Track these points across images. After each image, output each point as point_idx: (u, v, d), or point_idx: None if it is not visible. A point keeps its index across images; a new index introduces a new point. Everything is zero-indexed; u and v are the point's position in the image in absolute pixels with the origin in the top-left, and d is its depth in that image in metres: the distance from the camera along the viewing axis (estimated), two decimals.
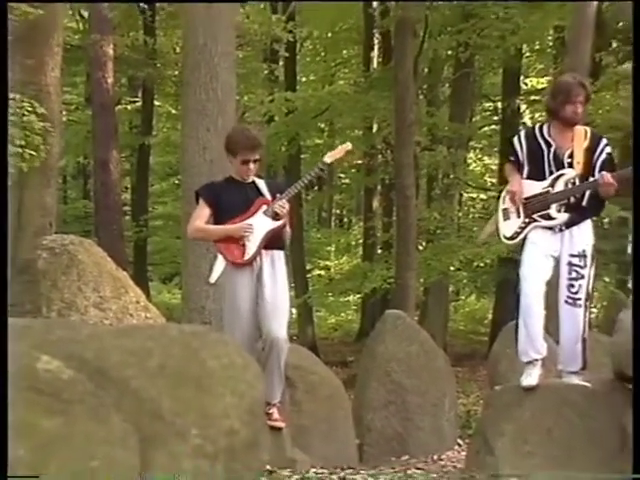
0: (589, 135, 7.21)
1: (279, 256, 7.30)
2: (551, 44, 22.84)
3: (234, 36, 11.22)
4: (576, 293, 7.08)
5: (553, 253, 7.12)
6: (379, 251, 23.40)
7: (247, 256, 7.17)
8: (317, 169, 7.93)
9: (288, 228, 7.39)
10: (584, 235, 7.16)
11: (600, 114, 17.97)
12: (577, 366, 7.27)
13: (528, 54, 23.55)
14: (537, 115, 24.65)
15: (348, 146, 7.83)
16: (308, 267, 25.64)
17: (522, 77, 23.59)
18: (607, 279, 21.83)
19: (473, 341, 23.59)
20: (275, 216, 7.20)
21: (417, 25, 18.90)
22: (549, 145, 7.21)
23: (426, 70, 22.66)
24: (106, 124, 19.06)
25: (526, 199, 7.22)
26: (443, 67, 23.33)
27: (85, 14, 21.31)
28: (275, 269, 7.23)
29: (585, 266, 7.12)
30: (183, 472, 2.89)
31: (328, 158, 7.65)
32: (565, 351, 7.22)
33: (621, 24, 21.52)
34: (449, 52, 21.44)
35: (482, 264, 22.91)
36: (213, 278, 7.40)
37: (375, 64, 23.80)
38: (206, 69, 10.46)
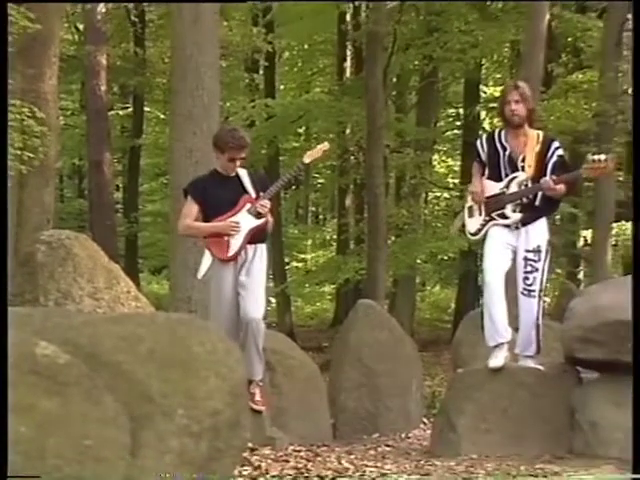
0: (541, 139, 7.28)
1: (262, 249, 7.29)
2: (507, 56, 22.90)
3: (218, 47, 11.21)
4: (531, 285, 7.16)
5: (511, 247, 7.19)
6: (352, 245, 23.40)
7: (231, 252, 7.16)
8: (296, 169, 7.95)
9: (270, 219, 7.38)
10: (539, 232, 7.22)
11: (551, 120, 18.03)
12: (532, 350, 7.33)
13: (487, 65, 23.61)
14: (495, 120, 24.70)
15: (326, 146, 7.82)
16: (286, 260, 25.64)
17: (481, 86, 23.65)
18: (559, 271, 21.92)
19: (438, 328, 23.63)
20: (258, 215, 7.20)
21: (386, 38, 18.91)
22: (504, 149, 7.27)
23: (394, 79, 22.68)
24: (99, 128, 19.01)
25: (486, 198, 7.30)
26: (410, 77, 23.35)
27: (80, 27, 21.22)
28: (255, 260, 7.23)
29: (539, 260, 7.17)
30: (170, 450, 2.88)
31: (307, 158, 7.63)
32: (522, 337, 7.28)
33: (570, 39, 21.63)
34: (416, 63, 21.45)
35: (446, 257, 23.00)
36: (201, 273, 7.39)
37: (348, 74, 23.79)
38: (192, 78, 10.44)
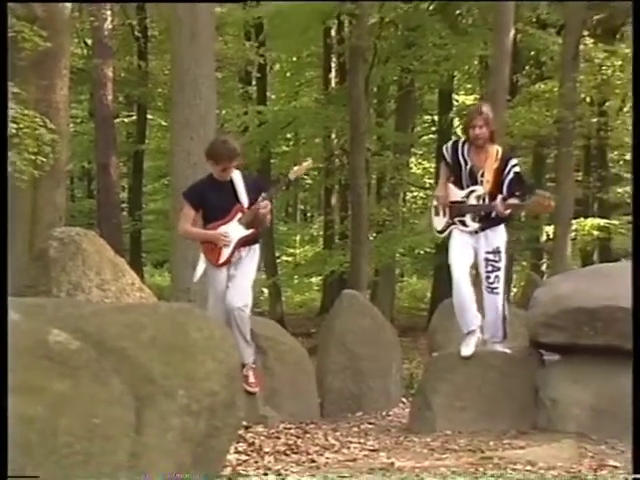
0: (500, 155, 7.26)
1: (254, 249, 7.28)
2: (477, 68, 22.93)
3: (214, 60, 11.19)
4: (492, 283, 7.23)
5: (472, 246, 7.26)
6: (337, 240, 23.38)
7: (222, 260, 7.16)
8: (283, 184, 8.03)
9: (268, 218, 7.39)
10: (498, 235, 7.27)
11: (517, 126, 18.11)
12: (499, 337, 7.43)
13: (459, 76, 23.63)
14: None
15: (309, 164, 7.81)
16: (277, 254, 25.60)
17: (454, 95, 23.67)
18: (524, 263, 21.97)
19: (415, 316, 23.65)
20: (248, 224, 7.16)
21: (367, 52, 18.91)
22: (466, 163, 7.28)
23: (375, 89, 22.65)
24: (107, 134, 18.96)
25: (450, 202, 7.35)
26: (389, 87, 23.36)
27: (89, 42, 21.13)
28: (247, 259, 7.22)
29: (499, 260, 7.22)
30: (171, 427, 2.88)
31: (292, 175, 7.61)
32: (489, 326, 7.38)
33: (532, 52, 21.69)
34: (394, 75, 21.47)
35: (422, 251, 23.02)
36: (196, 277, 7.38)
37: (333, 84, 23.75)
38: (190, 88, 10.42)
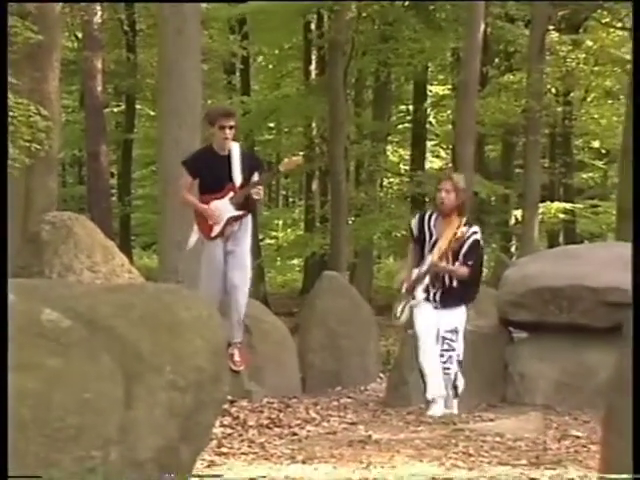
0: (462, 224, 6.70)
1: (247, 220, 7.16)
2: (450, 61, 22.93)
3: (200, 53, 11.14)
4: (445, 362, 6.72)
5: (435, 320, 6.79)
6: (317, 224, 23.38)
7: (213, 234, 7.11)
8: (272, 173, 7.96)
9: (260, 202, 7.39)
10: (456, 316, 6.77)
11: (487, 115, 18.18)
12: (450, 401, 6.86)
13: (432, 68, 23.62)
14: (439, 116, 24.79)
15: (299, 160, 7.77)
16: (260, 237, 25.57)
17: (428, 86, 23.66)
18: (494, 245, 22.05)
19: (392, 295, 23.60)
20: (238, 205, 7.11)
21: (346, 45, 18.88)
22: (431, 235, 6.75)
23: (353, 80, 22.62)
24: (97, 123, 18.87)
25: (410, 283, 6.89)
26: (367, 78, 23.31)
27: (79, 35, 20.99)
28: (241, 232, 7.15)
29: (456, 341, 6.74)
30: (159, 402, 2.87)
31: (282, 167, 7.63)
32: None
33: (501, 45, 21.74)
34: (371, 66, 21.45)
35: (398, 234, 23.03)
36: (189, 245, 7.34)
37: (313, 75, 23.71)
38: (177, 79, 10.37)
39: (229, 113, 7.18)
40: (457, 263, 6.66)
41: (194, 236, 7.23)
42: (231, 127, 7.10)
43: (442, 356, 6.69)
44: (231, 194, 7.07)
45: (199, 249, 7.28)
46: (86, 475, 2.74)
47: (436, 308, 6.73)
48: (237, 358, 7.20)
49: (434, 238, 6.70)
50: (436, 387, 6.72)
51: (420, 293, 6.76)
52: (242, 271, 7.10)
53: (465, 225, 6.68)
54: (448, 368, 6.70)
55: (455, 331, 6.73)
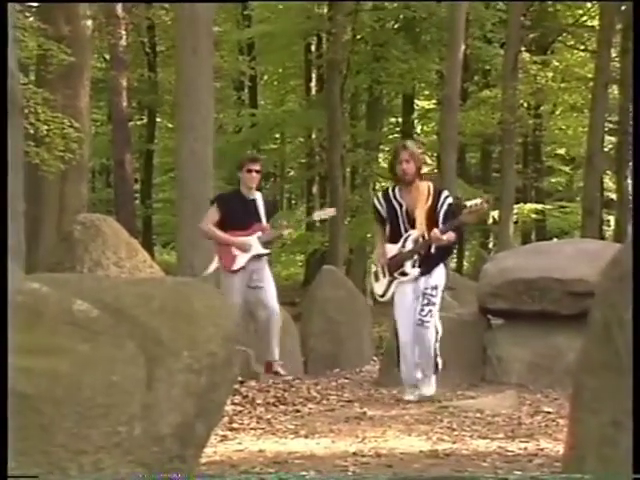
0: (431, 191, 6.17)
1: (266, 258, 7.17)
2: (434, 78, 22.93)
3: (212, 71, 11.12)
4: (425, 316, 6.10)
5: (416, 295, 6.20)
6: (317, 224, 23.34)
7: (236, 266, 6.97)
8: (315, 216, 7.74)
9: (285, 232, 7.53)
10: (436, 276, 6.21)
11: (468, 126, 18.20)
12: (431, 370, 6.33)
13: (419, 85, 23.63)
14: (425, 127, 24.77)
15: (333, 211, 7.70)
16: None
17: (415, 100, 23.63)
18: (474, 242, 22.04)
19: None
20: (264, 244, 7.03)
21: (342, 65, 18.87)
22: (400, 205, 6.20)
23: (349, 95, 22.61)
24: (122, 135, 18.86)
25: (389, 259, 6.25)
26: (361, 94, 23.30)
27: (107, 57, 20.97)
28: (265, 269, 7.09)
29: (436, 296, 6.16)
30: (177, 383, 2.86)
31: (316, 216, 7.62)
32: (421, 360, 6.31)
33: (480, 64, 21.77)
34: (365, 83, 21.45)
35: None
36: (206, 272, 7.23)
37: (313, 91, 23.69)
38: (193, 95, 10.34)
39: (255, 159, 7.26)
40: (437, 230, 6.08)
41: (213, 265, 7.17)
42: (257, 171, 7.09)
43: (422, 310, 6.08)
44: (259, 233, 7.01)
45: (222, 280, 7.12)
46: (113, 448, 2.73)
47: (416, 279, 6.17)
48: (282, 372, 7.12)
49: (404, 207, 6.14)
50: (412, 376, 6.26)
51: (411, 268, 6.15)
52: (273, 297, 7.05)
53: (435, 190, 6.17)
54: (427, 321, 6.08)
55: (435, 287, 6.16)
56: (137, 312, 2.93)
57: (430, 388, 6.29)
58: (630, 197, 16.31)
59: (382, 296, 6.31)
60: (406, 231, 6.15)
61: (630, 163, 16.44)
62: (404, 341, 6.21)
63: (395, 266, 6.18)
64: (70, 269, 6.96)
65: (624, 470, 2.61)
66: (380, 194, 6.40)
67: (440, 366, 6.29)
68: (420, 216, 6.09)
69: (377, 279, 6.32)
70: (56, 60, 11.03)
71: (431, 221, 6.09)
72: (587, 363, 2.86)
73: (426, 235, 6.10)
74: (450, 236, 6.10)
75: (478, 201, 5.98)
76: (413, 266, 6.14)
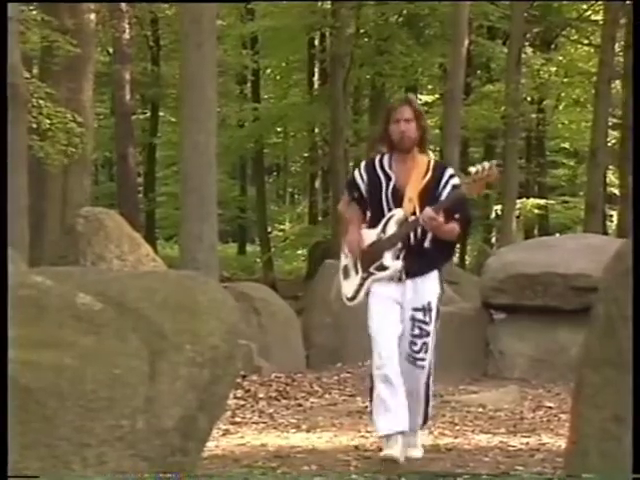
0: (432, 165, 4.34)
1: None
2: (437, 72, 22.90)
3: (216, 65, 11.11)
4: (418, 352, 4.29)
5: (398, 304, 4.32)
6: (320, 218, 23.35)
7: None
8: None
9: None
10: (429, 287, 4.33)
11: (471, 121, 18.20)
12: (419, 423, 4.43)
13: (422, 79, 23.59)
14: (428, 121, 24.68)
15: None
16: (269, 230, 25.56)
17: (418, 95, 23.61)
18: (477, 236, 22.03)
19: None
20: None
21: (345, 59, 18.84)
22: (388, 178, 4.31)
23: (352, 89, 22.58)
24: (125, 128, 18.85)
25: (363, 250, 4.36)
26: (364, 87, 23.28)
27: (110, 50, 20.96)
28: None
29: (430, 322, 4.32)
30: (180, 376, 2.87)
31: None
32: (408, 408, 4.26)
33: (483, 59, 21.74)
34: (368, 77, 21.42)
35: None
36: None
37: (316, 85, 23.66)
38: (196, 89, 10.33)
39: None
40: (430, 208, 4.21)
41: None
42: None
43: (414, 344, 4.28)
44: None
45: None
46: (116, 442, 2.74)
47: (400, 280, 4.29)
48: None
49: (393, 181, 4.29)
50: (398, 420, 4.19)
51: (392, 261, 4.28)
52: None
53: (436, 165, 4.39)
54: (422, 359, 4.30)
55: (428, 308, 4.30)
56: (140, 306, 2.94)
57: (417, 450, 4.42)
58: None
59: (351, 299, 4.52)
60: (390, 211, 4.31)
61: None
62: (384, 366, 4.26)
63: (371, 258, 4.33)
64: (73, 263, 6.97)
65: (625, 465, 2.61)
66: (362, 164, 4.52)
67: (430, 415, 4.56)
68: (412, 191, 4.25)
69: (346, 276, 4.52)
70: (62, 52, 11.05)
71: (426, 202, 4.22)
72: (590, 358, 2.86)
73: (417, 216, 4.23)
74: (452, 227, 4.24)
75: (486, 164, 4.25)
76: (397, 257, 4.27)
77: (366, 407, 5.86)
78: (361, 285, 4.43)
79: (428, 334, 4.32)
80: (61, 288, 2.95)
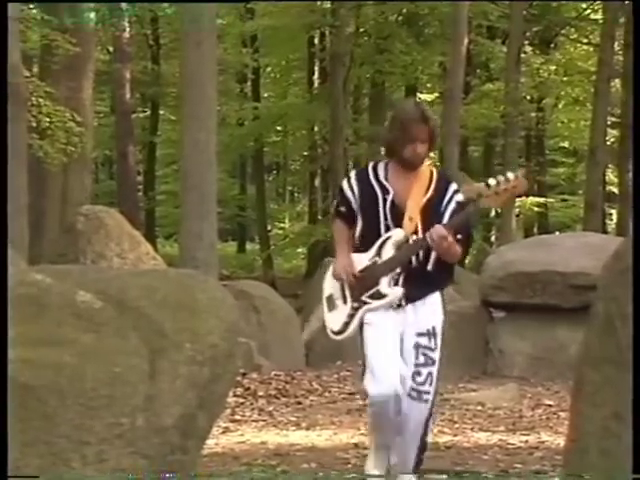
0: (435, 178, 3.78)
1: None
2: (437, 71, 22.90)
3: (216, 64, 11.11)
4: (422, 384, 3.70)
5: (399, 330, 3.74)
6: (319, 217, 23.35)
7: None
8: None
9: None
10: (432, 309, 3.79)
11: (471, 119, 18.21)
12: (408, 468, 3.77)
13: (422, 78, 23.59)
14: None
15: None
16: (269, 228, 25.56)
17: (418, 93, 23.61)
18: (477, 235, 22.04)
19: None
20: None
21: (345, 57, 18.85)
22: (385, 191, 3.75)
23: (352, 88, 22.58)
24: (125, 127, 18.87)
25: (355, 276, 3.79)
26: (364, 86, 23.28)
27: (110, 49, 20.97)
28: None
29: (435, 348, 3.78)
30: (180, 375, 2.87)
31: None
32: (400, 448, 3.77)
33: (482, 58, 21.75)
34: (367, 76, 21.43)
35: None
36: None
37: (316, 84, 23.66)
38: (196, 88, 10.33)
39: None
40: (440, 226, 3.66)
41: None
42: None
43: (418, 374, 3.72)
44: None
45: None
46: (115, 440, 2.73)
47: (399, 306, 3.73)
48: None
49: (391, 196, 3.73)
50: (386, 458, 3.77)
51: (390, 287, 3.72)
52: None
53: (440, 179, 3.80)
54: (426, 392, 3.71)
55: (432, 333, 3.78)
56: (140, 304, 2.93)
57: None
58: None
59: (339, 332, 3.96)
60: (387, 231, 3.75)
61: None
62: (382, 412, 3.69)
63: (363, 285, 3.76)
64: (73, 261, 6.97)
65: (625, 463, 2.61)
66: (353, 174, 3.97)
67: (424, 453, 3.87)
68: (412, 210, 3.72)
69: (332, 307, 3.96)
70: (61, 51, 11.05)
71: (428, 220, 3.69)
72: (589, 356, 2.86)
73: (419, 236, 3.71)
74: (457, 249, 3.70)
75: (510, 175, 3.66)
76: (395, 283, 3.72)
77: (365, 405, 5.86)
78: (352, 316, 3.83)
79: (434, 362, 3.76)
80: (61, 286, 2.95)
